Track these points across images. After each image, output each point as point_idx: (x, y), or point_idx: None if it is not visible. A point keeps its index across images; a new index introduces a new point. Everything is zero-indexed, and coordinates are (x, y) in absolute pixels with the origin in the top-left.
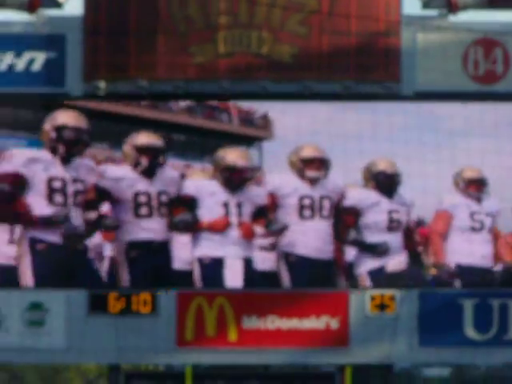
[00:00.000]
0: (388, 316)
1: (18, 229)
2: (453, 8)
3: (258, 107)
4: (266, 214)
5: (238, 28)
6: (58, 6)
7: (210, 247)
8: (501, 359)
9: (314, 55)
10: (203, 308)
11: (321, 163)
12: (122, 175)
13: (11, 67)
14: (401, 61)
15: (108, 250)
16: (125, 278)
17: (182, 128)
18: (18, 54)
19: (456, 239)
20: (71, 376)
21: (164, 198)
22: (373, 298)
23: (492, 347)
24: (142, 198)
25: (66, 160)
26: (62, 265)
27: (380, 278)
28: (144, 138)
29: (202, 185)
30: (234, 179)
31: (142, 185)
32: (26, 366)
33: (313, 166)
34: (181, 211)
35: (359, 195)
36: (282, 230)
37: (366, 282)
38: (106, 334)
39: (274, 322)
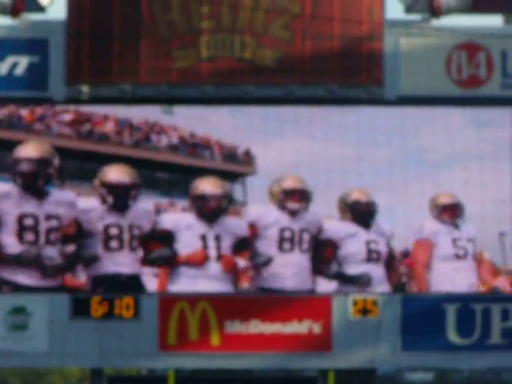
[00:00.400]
0: (371, 320)
1: None
2: (436, 12)
3: (240, 143)
4: (248, 245)
5: (220, 32)
6: (42, 10)
7: (185, 283)
8: (484, 364)
9: (297, 59)
10: (186, 312)
11: (302, 195)
12: (90, 206)
13: None
14: (384, 65)
15: None
16: None
17: (165, 166)
18: (1, 58)
19: (439, 268)
20: (54, 380)
21: (136, 232)
22: (355, 303)
23: (475, 351)
24: (113, 231)
25: (40, 195)
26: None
27: None
28: (113, 175)
29: (178, 218)
30: (206, 208)
31: (113, 219)
32: (8, 370)
33: (294, 198)
34: (157, 247)
35: (335, 227)
36: (267, 262)
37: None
38: (89, 338)
39: (256, 327)
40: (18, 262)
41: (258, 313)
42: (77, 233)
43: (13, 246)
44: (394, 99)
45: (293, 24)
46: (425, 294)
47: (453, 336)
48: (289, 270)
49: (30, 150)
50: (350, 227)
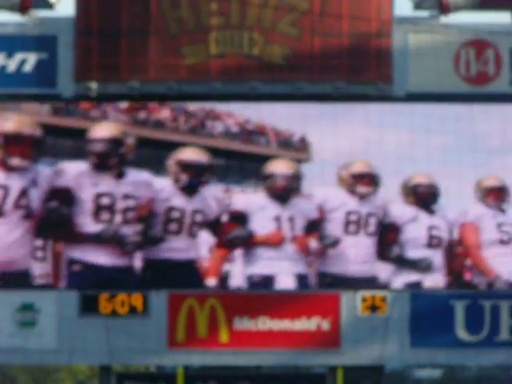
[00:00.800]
0: (379, 317)
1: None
2: (444, 9)
3: (296, 130)
4: (317, 227)
5: (229, 29)
6: (50, 6)
7: (262, 265)
8: (492, 360)
9: (305, 56)
10: (194, 309)
11: (371, 179)
12: (160, 187)
13: (3, 68)
14: (392, 62)
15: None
16: None
17: (221, 152)
18: (10, 55)
19: (484, 254)
20: (63, 377)
21: (199, 218)
22: (364, 300)
23: (483, 348)
24: (175, 214)
25: (116, 174)
26: (104, 286)
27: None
28: (189, 154)
29: (251, 199)
30: (276, 188)
31: (178, 201)
32: (17, 367)
33: (363, 182)
34: (231, 228)
35: (398, 211)
36: (335, 243)
37: None
38: (98, 335)
39: (265, 323)
40: (96, 240)
41: (266, 309)
42: (149, 214)
43: (89, 225)
44: (402, 96)
45: (301, 21)
46: (433, 291)
47: (461, 333)
48: (353, 252)
49: (102, 130)
50: (412, 211)
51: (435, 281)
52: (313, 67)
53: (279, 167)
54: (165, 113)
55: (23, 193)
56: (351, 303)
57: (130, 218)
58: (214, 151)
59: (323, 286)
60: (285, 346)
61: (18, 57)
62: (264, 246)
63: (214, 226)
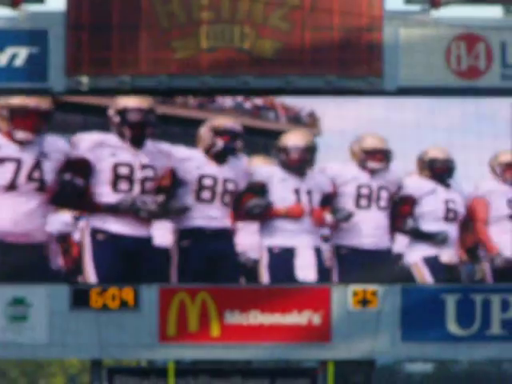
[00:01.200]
0: (370, 311)
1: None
2: (435, 3)
3: (305, 105)
4: (331, 201)
5: (220, 23)
6: (41, 1)
7: (283, 236)
8: (483, 354)
9: (296, 50)
10: (186, 303)
11: (383, 155)
12: (189, 156)
13: None
14: (383, 56)
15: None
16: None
17: None
18: (1, 50)
19: (493, 229)
20: (54, 371)
21: (230, 186)
22: (355, 294)
23: (475, 342)
24: (207, 182)
25: (136, 144)
26: (126, 257)
27: (436, 267)
28: (223, 120)
29: (272, 171)
30: (289, 160)
31: (210, 169)
32: (8, 361)
33: (375, 158)
34: (251, 197)
35: (415, 183)
36: (348, 217)
37: (423, 269)
38: (88, 329)
39: (256, 318)
40: (114, 210)
41: (257, 304)
42: (171, 184)
43: (107, 195)
44: (393, 90)
45: (292, 15)
46: (424, 285)
47: (452, 327)
48: (366, 226)
49: (136, 102)
50: (429, 184)
51: (451, 255)
52: (304, 61)
53: (292, 140)
54: None
55: (36, 165)
56: (342, 297)
57: (149, 189)
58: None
59: (339, 258)
60: (276, 340)
61: (10, 51)
62: (283, 219)
63: (236, 197)
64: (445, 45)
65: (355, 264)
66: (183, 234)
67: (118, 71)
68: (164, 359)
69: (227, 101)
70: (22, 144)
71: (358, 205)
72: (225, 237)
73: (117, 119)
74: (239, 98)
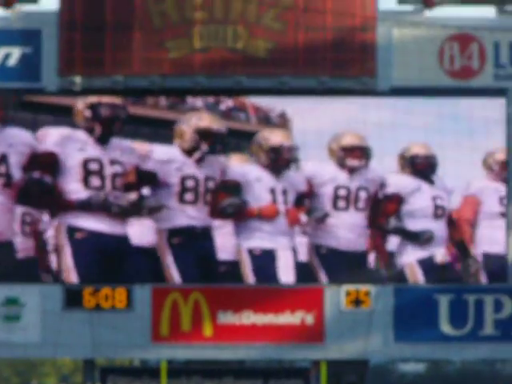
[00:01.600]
0: (363, 311)
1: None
2: (428, 3)
3: (276, 105)
4: (305, 201)
5: (213, 23)
6: (34, 1)
7: (261, 238)
8: (476, 355)
9: (289, 50)
10: (178, 303)
11: (362, 152)
12: (168, 157)
13: None
14: (377, 56)
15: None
16: (169, 264)
17: None
18: None
19: (484, 226)
20: (47, 371)
21: (211, 185)
22: (348, 294)
23: (467, 342)
24: (190, 183)
25: (103, 140)
26: (106, 255)
27: (430, 268)
28: (208, 122)
29: (248, 169)
30: (281, 160)
31: (190, 168)
32: (1, 361)
33: (354, 155)
34: (226, 196)
35: (400, 181)
36: (324, 217)
37: (417, 271)
38: (81, 329)
39: (249, 318)
40: (85, 207)
41: (250, 304)
42: (139, 182)
43: (78, 192)
44: (386, 90)
45: (285, 15)
46: (417, 285)
47: (445, 327)
48: (343, 228)
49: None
50: (414, 182)
51: (443, 254)
52: (297, 61)
53: (284, 139)
54: None
55: (2, 159)
56: (335, 297)
57: (119, 185)
58: None
59: (319, 257)
60: (269, 340)
61: (3, 51)
62: (259, 220)
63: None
64: (438, 45)
65: (335, 264)
66: (172, 233)
67: (111, 71)
68: (157, 359)
69: (198, 102)
70: None
71: (335, 206)
72: (209, 235)
73: (87, 113)
74: (210, 99)
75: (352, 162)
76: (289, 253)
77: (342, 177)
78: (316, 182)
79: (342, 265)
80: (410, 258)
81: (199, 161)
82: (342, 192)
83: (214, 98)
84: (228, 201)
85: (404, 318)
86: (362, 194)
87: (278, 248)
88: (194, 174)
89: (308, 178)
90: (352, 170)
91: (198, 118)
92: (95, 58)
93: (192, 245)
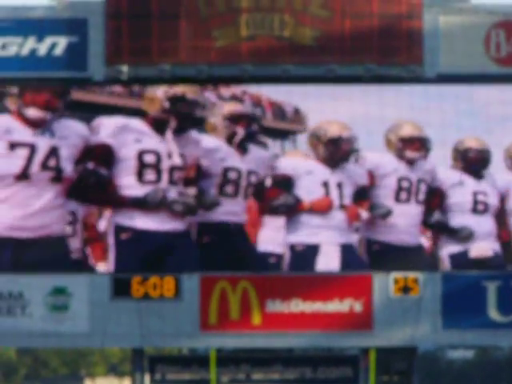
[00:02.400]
0: (411, 298)
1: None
2: None
3: (290, 100)
4: (367, 195)
5: (259, 11)
6: None
7: (307, 233)
8: None
9: (336, 38)
10: (227, 292)
11: (421, 143)
12: (215, 146)
13: (33, 52)
14: (423, 43)
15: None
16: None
17: None
18: (40, 39)
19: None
20: (95, 360)
21: (253, 179)
22: (396, 281)
23: None
24: (232, 175)
25: (160, 131)
26: (151, 256)
27: (462, 262)
28: (232, 107)
29: (298, 163)
30: (340, 151)
31: (234, 160)
32: (49, 351)
33: (413, 146)
34: (276, 193)
35: (443, 175)
36: (387, 215)
37: (446, 265)
38: (130, 318)
39: (297, 306)
40: (141, 205)
41: (299, 292)
42: (197, 175)
43: (132, 187)
44: (433, 77)
45: (332, 3)
46: (465, 272)
47: (493, 314)
48: (404, 221)
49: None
50: (457, 176)
51: (480, 249)
52: (343, 49)
53: (343, 131)
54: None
55: (52, 152)
56: (383, 285)
57: (177, 179)
58: None
59: (371, 254)
60: (317, 328)
61: (49, 40)
62: (309, 213)
63: (259, 190)
64: (484, 32)
65: (387, 261)
66: (204, 229)
67: (158, 60)
68: (205, 347)
69: (212, 97)
70: (37, 125)
71: (397, 199)
72: (243, 231)
73: (166, 104)
74: (225, 94)
75: (412, 154)
76: (336, 248)
77: (403, 168)
78: (379, 174)
79: (396, 260)
80: (444, 251)
81: (243, 152)
82: (405, 184)
83: (230, 96)
84: (281, 200)
85: (452, 304)
86: (422, 186)
87: (324, 243)
88: (237, 166)
89: (370, 169)
90: (411, 162)
91: (220, 107)
92: (142, 47)
93: (225, 241)
